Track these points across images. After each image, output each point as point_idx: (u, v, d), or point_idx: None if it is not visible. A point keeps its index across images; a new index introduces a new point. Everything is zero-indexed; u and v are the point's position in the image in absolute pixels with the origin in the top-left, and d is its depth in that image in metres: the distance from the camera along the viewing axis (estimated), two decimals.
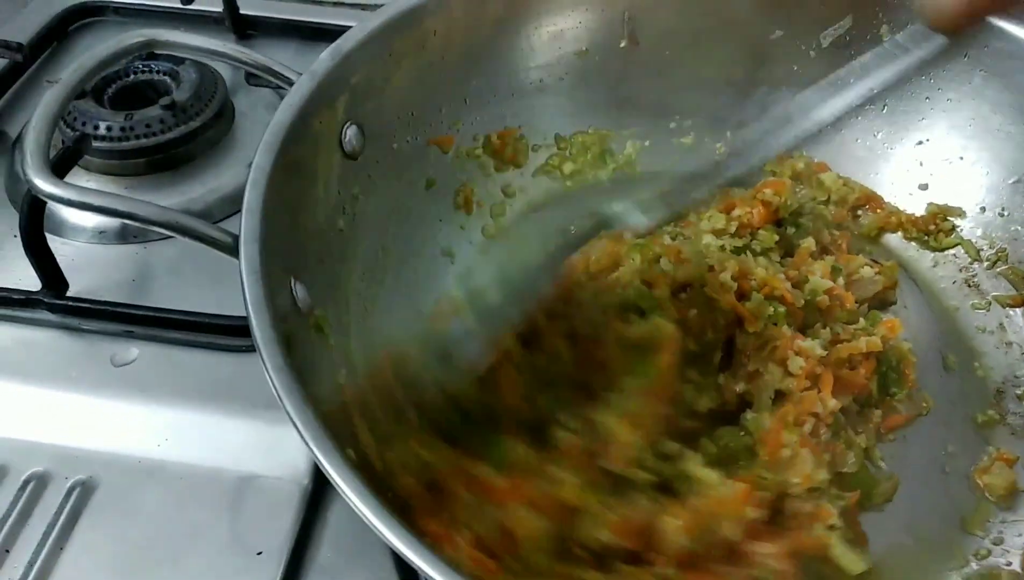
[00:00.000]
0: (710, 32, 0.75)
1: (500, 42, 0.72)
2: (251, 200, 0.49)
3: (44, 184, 0.50)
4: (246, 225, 0.48)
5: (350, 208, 0.62)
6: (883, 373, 0.62)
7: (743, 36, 0.75)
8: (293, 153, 0.54)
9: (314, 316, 0.53)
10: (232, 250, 0.49)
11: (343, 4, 1.05)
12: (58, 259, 0.70)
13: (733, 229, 0.68)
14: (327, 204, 0.59)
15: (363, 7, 1.01)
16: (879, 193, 0.75)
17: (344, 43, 0.60)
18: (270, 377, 0.43)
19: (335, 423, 0.45)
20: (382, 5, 0.66)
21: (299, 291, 0.52)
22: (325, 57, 0.59)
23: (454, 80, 0.71)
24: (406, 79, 0.66)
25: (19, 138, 0.84)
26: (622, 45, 0.76)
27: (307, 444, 0.42)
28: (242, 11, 0.98)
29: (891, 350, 0.63)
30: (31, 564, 0.56)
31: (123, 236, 0.77)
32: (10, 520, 0.58)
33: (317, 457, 0.42)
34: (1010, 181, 0.69)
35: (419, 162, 0.69)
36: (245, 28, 0.99)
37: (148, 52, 0.61)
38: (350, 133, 0.61)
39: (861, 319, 0.64)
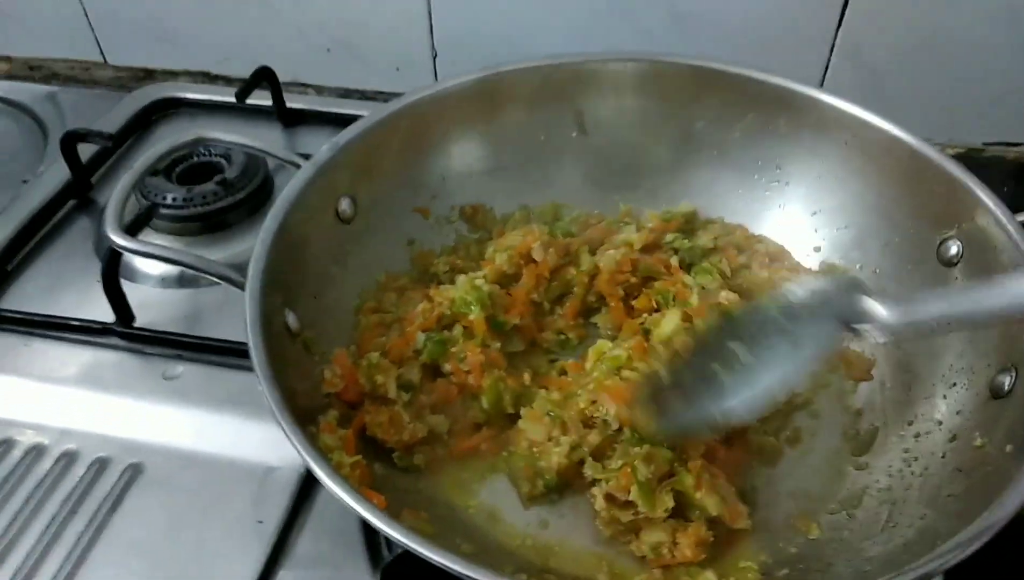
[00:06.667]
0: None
1: (472, 133, 0.92)
2: (257, 252, 0.69)
3: (117, 238, 0.71)
4: (252, 269, 0.67)
5: (341, 258, 0.81)
6: None
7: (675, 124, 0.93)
8: (293, 219, 0.73)
9: (302, 337, 0.72)
10: (243, 287, 0.68)
11: (368, 98, 1.27)
12: (129, 299, 0.91)
13: None
14: (322, 255, 0.78)
15: (385, 98, 1.23)
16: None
17: (340, 138, 0.80)
18: (259, 378, 0.61)
19: (307, 415, 0.63)
20: (401, 94, 0.86)
21: (290, 318, 0.70)
22: (325, 149, 0.79)
23: (433, 164, 0.90)
24: (391, 163, 0.86)
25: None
26: (573, 135, 0.94)
27: (282, 429, 0.59)
28: (288, 105, 1.21)
29: None
30: (90, 522, 0.75)
31: (181, 282, 0.97)
32: (79, 491, 0.77)
33: (289, 437, 0.59)
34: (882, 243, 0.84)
35: (403, 226, 0.88)
36: (291, 119, 1.21)
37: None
38: (344, 203, 0.81)
39: None
